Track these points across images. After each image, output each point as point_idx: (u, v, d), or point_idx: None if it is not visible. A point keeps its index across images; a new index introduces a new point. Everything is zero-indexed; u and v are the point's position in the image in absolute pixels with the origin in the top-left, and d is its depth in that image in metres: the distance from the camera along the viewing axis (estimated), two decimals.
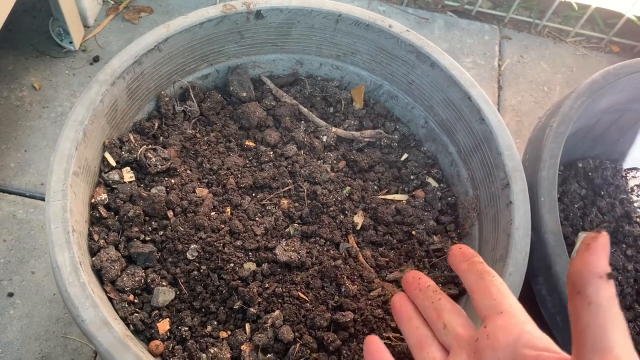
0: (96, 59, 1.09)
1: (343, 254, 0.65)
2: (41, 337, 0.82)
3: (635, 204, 0.88)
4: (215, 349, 0.56)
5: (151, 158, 0.65)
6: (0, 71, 1.05)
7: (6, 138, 0.98)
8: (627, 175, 0.91)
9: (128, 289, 0.57)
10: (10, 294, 0.84)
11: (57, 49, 1.09)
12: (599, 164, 0.89)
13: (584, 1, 1.24)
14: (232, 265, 0.60)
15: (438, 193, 0.73)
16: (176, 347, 0.57)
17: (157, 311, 0.58)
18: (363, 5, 1.25)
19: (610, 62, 1.27)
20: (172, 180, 0.65)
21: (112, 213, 0.62)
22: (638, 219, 0.86)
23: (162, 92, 0.71)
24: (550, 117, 0.69)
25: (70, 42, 1.08)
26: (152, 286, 0.58)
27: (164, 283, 0.59)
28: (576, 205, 0.84)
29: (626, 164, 0.92)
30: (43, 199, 0.92)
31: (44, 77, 1.06)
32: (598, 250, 0.32)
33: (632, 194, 0.89)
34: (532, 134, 0.74)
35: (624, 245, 0.82)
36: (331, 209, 0.68)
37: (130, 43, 0.64)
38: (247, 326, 0.58)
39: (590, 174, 0.88)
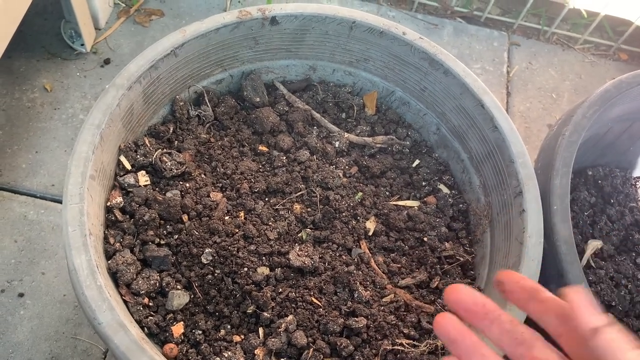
0: (107, 62, 1.09)
1: (355, 260, 0.65)
2: (51, 337, 0.82)
3: None
4: (229, 353, 0.56)
5: (166, 162, 0.65)
6: (12, 73, 1.06)
7: (17, 139, 0.99)
8: (637, 183, 0.91)
9: (143, 292, 0.58)
10: (21, 295, 0.85)
11: (68, 51, 1.10)
12: (608, 172, 0.89)
13: (593, 8, 1.24)
14: (245, 269, 0.60)
15: (450, 200, 0.73)
16: (190, 350, 0.57)
17: (171, 314, 0.58)
18: (372, 11, 1.26)
19: (618, 70, 1.27)
20: (187, 184, 0.66)
21: (128, 216, 0.62)
22: None
23: (177, 97, 0.71)
24: (563, 126, 0.69)
25: (82, 44, 1.08)
26: (167, 290, 0.59)
27: (178, 287, 0.59)
28: (586, 213, 0.84)
29: (636, 173, 0.92)
30: (54, 200, 0.93)
31: (55, 79, 1.06)
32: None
33: None
34: (544, 142, 0.74)
35: (633, 254, 0.82)
36: (343, 214, 0.68)
37: (142, 46, 0.65)
38: (261, 330, 0.59)
39: (600, 182, 0.88)
